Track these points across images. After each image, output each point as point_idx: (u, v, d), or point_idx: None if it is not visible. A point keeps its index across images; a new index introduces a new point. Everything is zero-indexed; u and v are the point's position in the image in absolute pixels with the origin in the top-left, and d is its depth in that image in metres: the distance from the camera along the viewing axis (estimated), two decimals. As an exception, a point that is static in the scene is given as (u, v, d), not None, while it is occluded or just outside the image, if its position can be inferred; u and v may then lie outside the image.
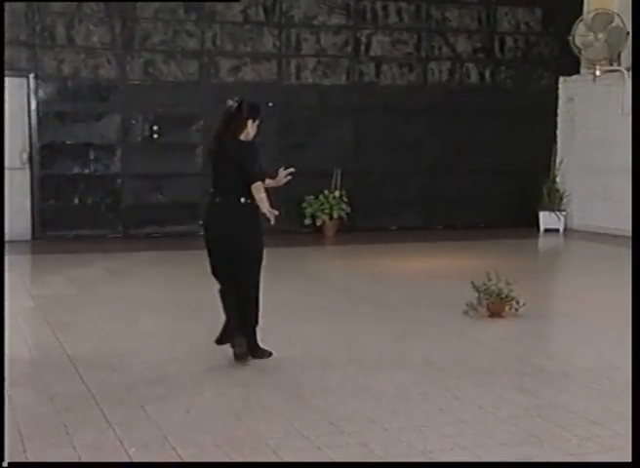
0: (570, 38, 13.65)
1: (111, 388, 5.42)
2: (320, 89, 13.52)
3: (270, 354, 6.00)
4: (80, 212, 12.67)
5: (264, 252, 5.96)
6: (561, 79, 14.55)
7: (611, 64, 13.53)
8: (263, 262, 5.97)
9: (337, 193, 13.28)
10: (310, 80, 13.49)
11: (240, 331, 5.95)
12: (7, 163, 11.34)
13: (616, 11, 13.24)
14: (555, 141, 14.55)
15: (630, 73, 12.56)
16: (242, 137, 5.86)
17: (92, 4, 12.40)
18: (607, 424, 4.73)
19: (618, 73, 13.33)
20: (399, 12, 13.80)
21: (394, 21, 13.79)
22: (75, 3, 12.30)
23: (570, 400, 5.24)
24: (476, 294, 7.39)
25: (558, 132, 14.61)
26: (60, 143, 12.52)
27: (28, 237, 12.30)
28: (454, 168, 14.16)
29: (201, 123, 13.01)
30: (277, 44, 13.29)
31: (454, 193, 14.14)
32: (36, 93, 12.31)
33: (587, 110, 14.06)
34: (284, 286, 8.59)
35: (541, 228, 14.09)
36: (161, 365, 5.98)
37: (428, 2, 13.89)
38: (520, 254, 11.94)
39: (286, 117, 13.18)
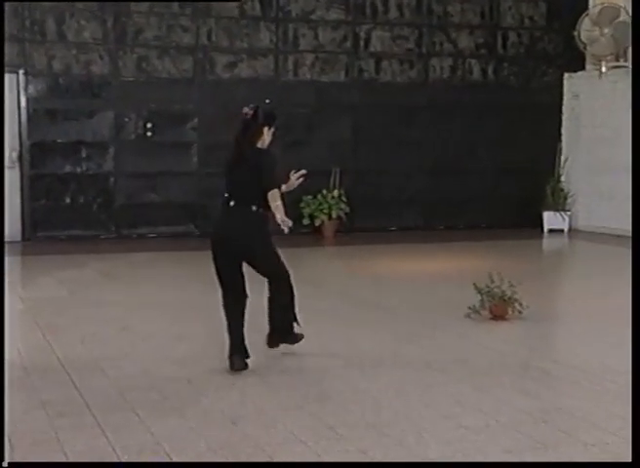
0: (575, 33, 13.67)
1: (104, 393, 5.42)
2: (318, 86, 13.53)
3: (302, 337, 6.27)
4: (72, 212, 12.67)
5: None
6: (566, 75, 14.56)
7: (617, 60, 13.54)
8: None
9: (335, 193, 13.29)
10: (308, 76, 13.50)
11: (272, 328, 6.18)
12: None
13: (622, 5, 13.25)
14: (560, 139, 14.57)
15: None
16: (259, 145, 6.02)
17: (83, -2, 12.41)
18: (613, 430, 4.74)
19: (624, 69, 13.34)
20: (399, 6, 13.82)
21: (394, 16, 13.80)
22: (66, -3, 12.32)
23: (575, 404, 5.25)
24: (478, 297, 7.40)
25: (563, 129, 14.63)
26: (50, 141, 12.52)
27: (18, 238, 12.30)
28: (455, 167, 14.17)
29: (196, 120, 13.03)
30: (274, 39, 13.30)
31: (455, 193, 14.15)
32: (26, 89, 12.31)
33: (593, 107, 14.08)
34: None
35: (545, 229, 14.10)
36: (155, 369, 5.99)
37: (429, -4, 13.93)
38: (523, 256, 11.95)
39: (283, 115, 13.14)
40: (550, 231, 14.04)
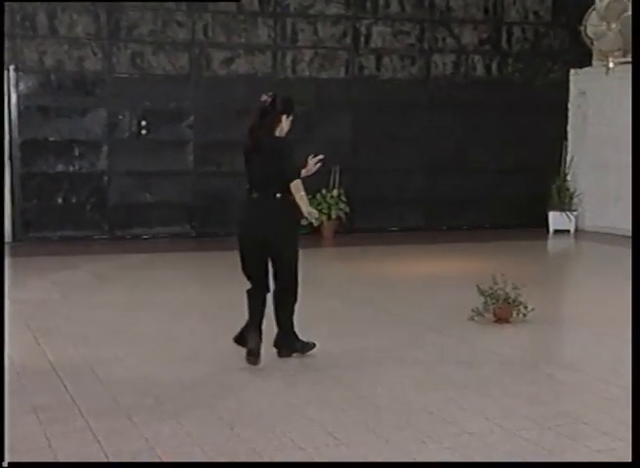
0: (582, 28, 13.65)
1: (96, 397, 5.42)
2: (317, 82, 13.53)
3: (314, 345, 6.34)
4: (64, 212, 12.67)
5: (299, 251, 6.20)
6: (572, 72, 14.57)
7: (625, 56, 13.53)
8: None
9: (335, 192, 13.29)
10: (307, 73, 13.50)
11: (279, 327, 6.25)
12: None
13: (630, -1, 13.26)
14: (566, 138, 14.57)
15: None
16: (277, 133, 6.09)
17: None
18: (620, 436, 4.74)
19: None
20: (401, 1, 13.82)
21: (396, 11, 13.81)
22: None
23: (581, 410, 5.25)
24: (482, 299, 7.41)
25: (569, 127, 14.64)
26: (42, 140, 12.51)
27: (9, 239, 12.29)
28: (458, 166, 14.17)
29: (192, 118, 13.03)
30: (272, 35, 13.30)
31: (458, 192, 14.16)
32: (17, 86, 12.31)
33: (600, 105, 14.08)
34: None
35: (551, 229, 14.10)
36: (150, 372, 5.99)
37: (432, -10, 13.94)
38: (528, 257, 11.95)
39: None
40: (556, 232, 14.04)
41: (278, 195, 5.99)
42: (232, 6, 13.07)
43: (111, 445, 4.59)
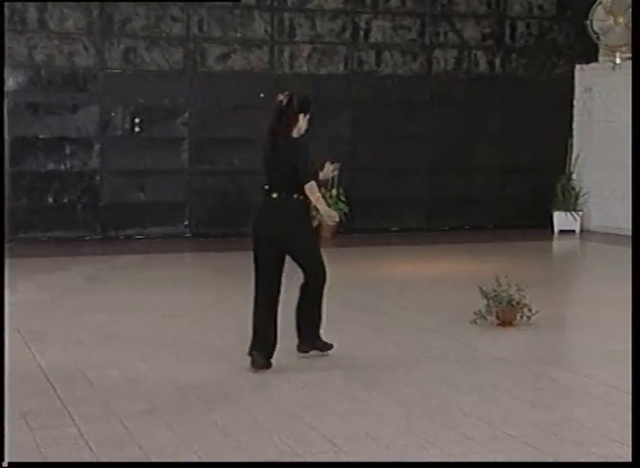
0: (587, 22, 13.69)
1: (88, 403, 5.42)
2: (316, 79, 13.53)
3: (331, 346, 6.40)
4: (55, 212, 12.68)
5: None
6: (577, 67, 14.59)
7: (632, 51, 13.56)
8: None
9: (334, 192, 13.29)
10: (305, 69, 13.51)
11: (306, 320, 6.29)
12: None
13: (637, -7, 13.27)
14: (571, 135, 14.59)
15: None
16: (294, 133, 6.20)
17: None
18: (627, 441, 4.74)
19: (639, 61, 13.35)
20: (401, -5, 13.85)
21: (396, 5, 13.82)
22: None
23: (586, 415, 5.26)
24: (485, 302, 7.41)
25: (574, 125, 14.65)
26: (32, 137, 12.51)
27: (-2, 239, 12.29)
28: (460, 164, 14.18)
29: (186, 115, 13.04)
30: (269, 30, 13.30)
31: (460, 192, 14.17)
32: (6, 82, 12.30)
33: (606, 101, 14.10)
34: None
35: (556, 230, 14.12)
36: (143, 377, 5.99)
37: (433, -16, 13.96)
38: (532, 258, 11.96)
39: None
40: (561, 232, 14.05)
41: (296, 196, 6.10)
42: (228, 0, 13.09)
43: (103, 451, 4.59)
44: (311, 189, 6.08)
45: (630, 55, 13.54)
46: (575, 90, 14.63)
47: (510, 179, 14.37)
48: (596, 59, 14.32)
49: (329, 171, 6.54)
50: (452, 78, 14.13)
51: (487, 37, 14.30)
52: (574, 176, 14.30)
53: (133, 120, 12.86)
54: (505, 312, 7.38)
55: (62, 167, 12.70)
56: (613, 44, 13.66)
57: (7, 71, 12.27)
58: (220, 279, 9.81)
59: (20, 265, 10.92)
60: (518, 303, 7.36)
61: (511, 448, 4.69)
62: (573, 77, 14.63)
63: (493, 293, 7.37)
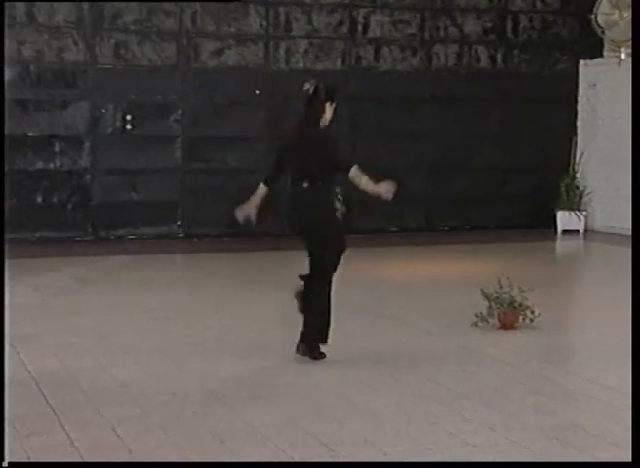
0: (592, 17, 13.70)
1: (79, 408, 5.42)
2: (312, 75, 13.45)
3: (324, 356, 6.40)
4: (44, 211, 12.66)
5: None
6: (582, 63, 14.59)
7: (637, 47, 13.56)
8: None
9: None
10: (301, 65, 13.51)
11: (305, 322, 6.36)
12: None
13: (642, -13, 13.28)
14: (575, 133, 14.59)
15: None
16: (321, 123, 6.31)
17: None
18: (630, 446, 4.75)
19: (644, 57, 13.36)
20: (400, -12, 13.85)
21: (395, -1, 13.83)
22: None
23: (590, 420, 5.26)
24: (486, 303, 7.41)
25: (578, 122, 14.66)
26: (21, 135, 12.49)
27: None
28: (461, 163, 14.18)
29: (179, 112, 13.03)
30: (264, 24, 13.30)
31: (461, 191, 14.17)
32: (-6, 78, 12.30)
33: (611, 98, 14.10)
34: (270, 296, 8.57)
35: (559, 229, 14.12)
36: (135, 382, 5.99)
37: (433, -23, 13.95)
38: (535, 259, 11.97)
39: (274, 106, 13.18)
40: (564, 232, 14.05)
41: (329, 185, 6.33)
42: (222, -7, 13.08)
43: (94, 458, 4.58)
44: (357, 174, 6.29)
45: (636, 50, 13.59)
46: (579, 86, 14.63)
47: (512, 178, 14.38)
48: (601, 55, 14.33)
49: (383, 191, 6.65)
50: (452, 74, 14.13)
51: (488, 32, 14.30)
52: (578, 175, 14.30)
53: (124, 117, 12.84)
54: (507, 314, 7.39)
55: (52, 165, 12.68)
56: (618, 39, 13.67)
57: (-5, 67, 12.29)
58: (214, 280, 9.80)
59: (8, 267, 10.91)
60: (520, 305, 7.37)
61: (514, 453, 4.69)
62: (577, 73, 14.63)
63: (494, 295, 7.38)
